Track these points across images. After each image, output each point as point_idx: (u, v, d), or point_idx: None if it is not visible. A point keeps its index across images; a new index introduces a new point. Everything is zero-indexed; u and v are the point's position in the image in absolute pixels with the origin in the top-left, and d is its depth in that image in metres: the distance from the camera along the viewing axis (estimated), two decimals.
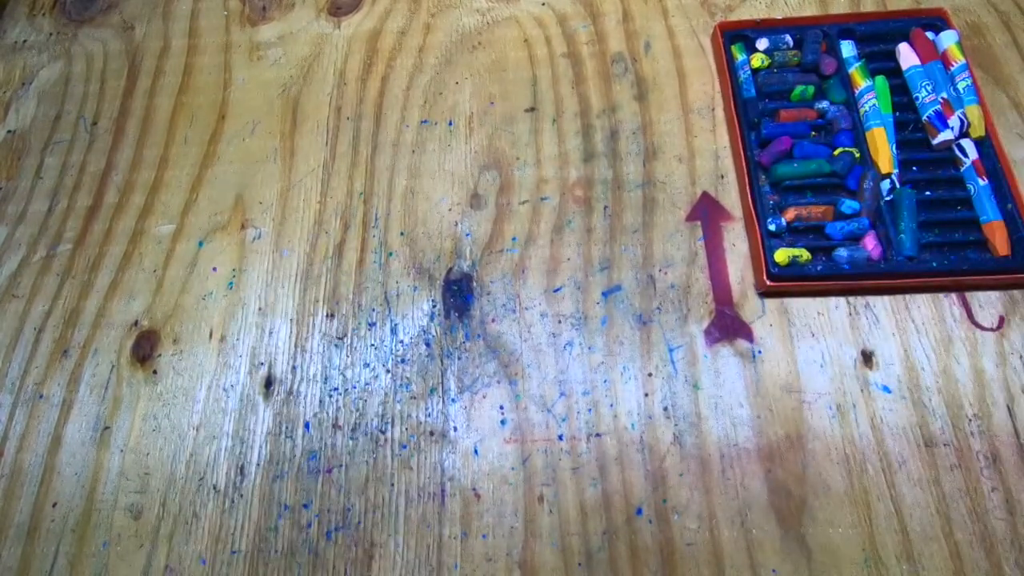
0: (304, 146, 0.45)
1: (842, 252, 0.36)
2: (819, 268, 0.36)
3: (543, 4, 0.49)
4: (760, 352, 0.36)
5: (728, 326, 0.37)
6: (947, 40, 0.41)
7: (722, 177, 0.41)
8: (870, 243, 0.36)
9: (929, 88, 0.39)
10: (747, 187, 0.39)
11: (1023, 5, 0.45)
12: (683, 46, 0.46)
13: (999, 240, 0.36)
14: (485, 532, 0.33)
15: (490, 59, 0.47)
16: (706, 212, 0.40)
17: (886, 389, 0.35)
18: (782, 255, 0.36)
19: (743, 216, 0.39)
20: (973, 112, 0.38)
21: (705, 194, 0.40)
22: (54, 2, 0.54)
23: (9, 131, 0.48)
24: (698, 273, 0.38)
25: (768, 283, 0.36)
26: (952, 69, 0.40)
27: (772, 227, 0.37)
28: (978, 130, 0.38)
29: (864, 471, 0.33)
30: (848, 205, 0.37)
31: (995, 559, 0.31)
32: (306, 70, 0.48)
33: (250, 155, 0.45)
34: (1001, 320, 0.36)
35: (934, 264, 0.36)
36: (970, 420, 0.33)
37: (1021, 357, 0.35)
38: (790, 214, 0.38)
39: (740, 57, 0.43)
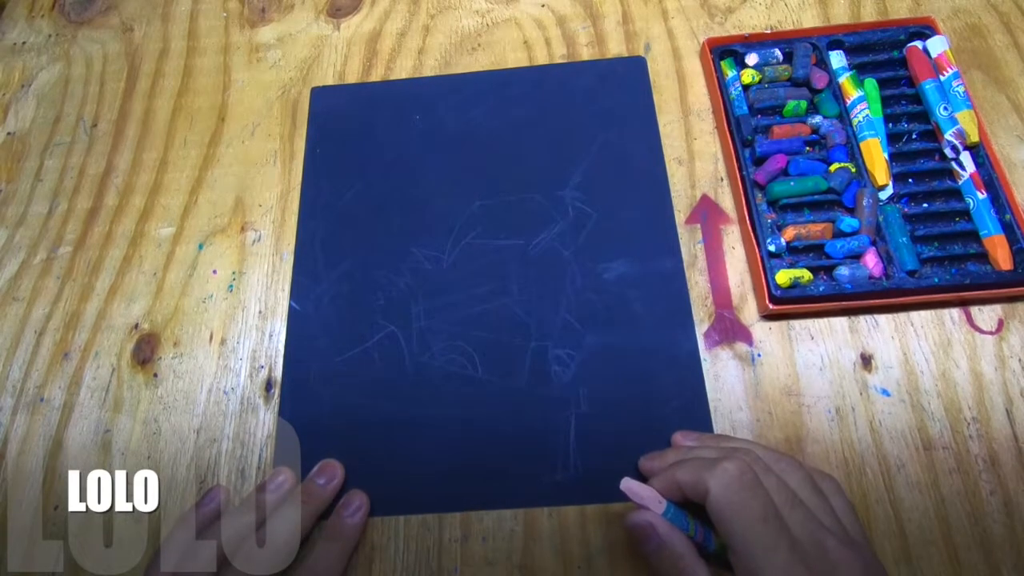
0: (304, 148, 0.45)
1: (843, 271, 0.36)
2: (821, 288, 0.35)
3: (543, 6, 0.49)
4: (760, 355, 0.36)
5: (728, 329, 0.37)
6: (937, 47, 0.40)
7: (721, 180, 0.41)
8: (871, 260, 0.36)
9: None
10: (744, 207, 0.38)
11: (1023, 6, 0.45)
12: (683, 48, 0.46)
13: (1001, 255, 0.35)
14: (485, 535, 0.33)
15: (489, 61, 0.47)
16: (706, 215, 0.40)
17: (885, 392, 0.35)
18: (784, 276, 0.35)
19: (741, 237, 0.39)
20: (965, 117, 0.38)
21: (705, 197, 0.40)
22: (53, 4, 0.53)
23: (9, 133, 0.48)
24: (698, 276, 0.38)
25: (771, 307, 0.35)
26: (945, 76, 0.40)
27: (772, 247, 0.37)
28: (972, 136, 0.38)
29: (863, 474, 0.33)
30: (847, 223, 0.37)
31: (993, 562, 0.31)
32: (305, 72, 0.48)
33: (250, 157, 0.45)
34: (1000, 324, 0.36)
35: (936, 279, 0.35)
36: (969, 423, 0.34)
37: (1020, 360, 0.35)
38: (789, 233, 0.37)
39: (730, 73, 0.42)
